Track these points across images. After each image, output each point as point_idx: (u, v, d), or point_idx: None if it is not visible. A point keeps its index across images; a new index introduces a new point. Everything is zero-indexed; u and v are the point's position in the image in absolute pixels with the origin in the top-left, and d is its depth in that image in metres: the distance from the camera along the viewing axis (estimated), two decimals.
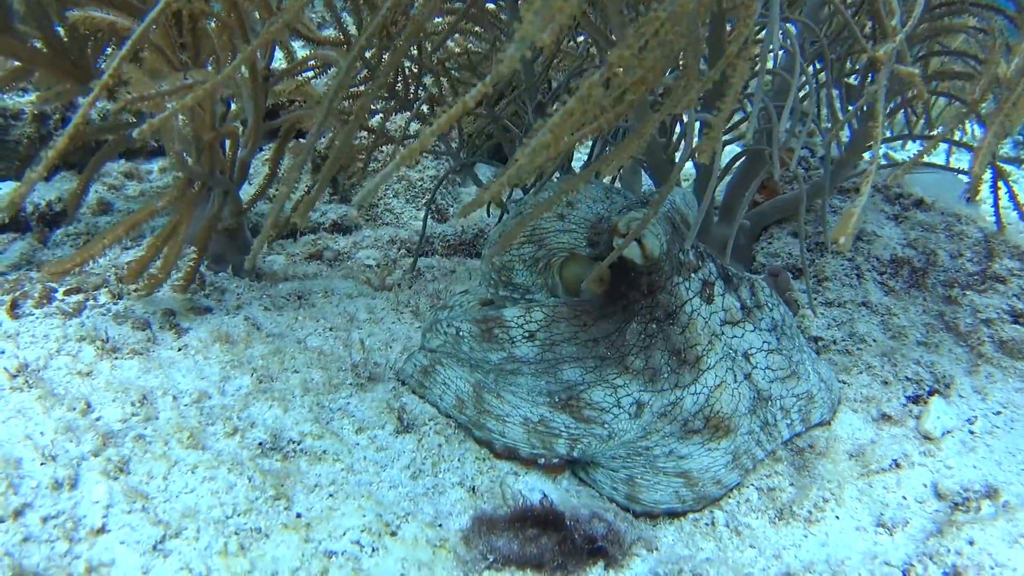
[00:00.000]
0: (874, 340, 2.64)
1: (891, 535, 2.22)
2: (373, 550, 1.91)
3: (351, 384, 2.30)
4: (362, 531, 1.93)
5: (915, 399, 2.54)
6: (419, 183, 3.54)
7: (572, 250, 2.32)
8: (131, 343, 2.42)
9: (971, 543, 2.11)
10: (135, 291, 2.53)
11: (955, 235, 2.81)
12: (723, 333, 2.34)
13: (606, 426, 2.21)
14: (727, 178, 2.92)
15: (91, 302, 2.59)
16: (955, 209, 2.86)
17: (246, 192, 3.14)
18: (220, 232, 2.79)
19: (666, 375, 2.25)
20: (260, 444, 2.11)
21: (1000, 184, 2.32)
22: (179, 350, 2.45)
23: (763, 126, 2.54)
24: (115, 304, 2.59)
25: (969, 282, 2.74)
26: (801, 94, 2.70)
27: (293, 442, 2.13)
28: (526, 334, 2.29)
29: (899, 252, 2.79)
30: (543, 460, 2.21)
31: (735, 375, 2.31)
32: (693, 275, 2.30)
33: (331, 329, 2.59)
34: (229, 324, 2.53)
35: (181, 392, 2.25)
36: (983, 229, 2.81)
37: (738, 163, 2.77)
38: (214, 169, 2.53)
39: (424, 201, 3.01)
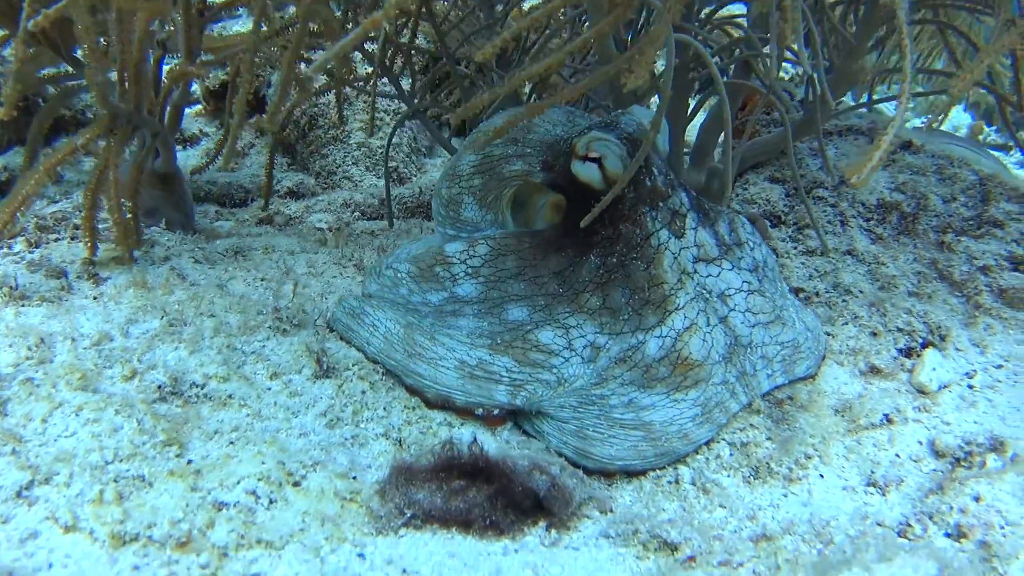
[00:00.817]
0: (861, 291, 2.28)
1: (884, 495, 1.85)
2: (271, 502, 1.57)
3: (270, 327, 1.96)
4: (260, 480, 1.59)
5: (907, 352, 2.17)
6: (379, 151, 3.23)
7: (526, 176, 1.99)
8: (42, 291, 2.11)
9: (977, 499, 1.73)
10: (114, 262, 2.21)
11: (947, 178, 2.46)
12: (695, 271, 1.99)
13: (555, 371, 1.85)
14: (698, 121, 2.59)
15: (4, 249, 2.28)
16: (946, 152, 2.52)
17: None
18: (154, 184, 2.48)
19: (627, 316, 1.90)
20: (159, 387, 1.78)
21: None
22: (94, 299, 2.13)
23: (747, 54, 2.22)
24: (31, 252, 2.28)
25: (964, 227, 2.38)
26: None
27: (196, 385, 1.79)
28: (469, 270, 1.95)
29: (887, 196, 2.44)
30: (481, 410, 1.85)
31: (708, 317, 1.95)
32: (661, 204, 1.96)
33: (263, 280, 2.27)
34: (151, 272, 2.21)
35: (82, 335, 1.92)
36: (978, 172, 2.46)
37: (712, 102, 2.45)
38: (141, 107, 2.22)
39: (385, 160, 2.70)
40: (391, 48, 2.42)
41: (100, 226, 2.38)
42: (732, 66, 2.39)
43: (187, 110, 4.00)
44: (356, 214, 2.88)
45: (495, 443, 1.82)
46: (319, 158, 3.21)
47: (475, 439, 1.63)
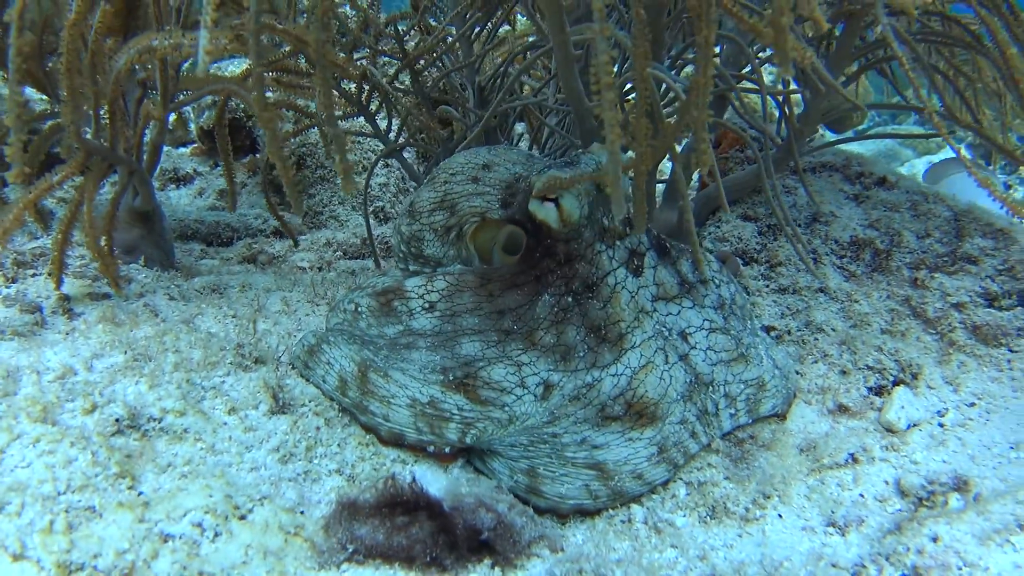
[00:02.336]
0: (833, 329, 2.32)
1: (843, 535, 1.87)
2: (216, 534, 1.63)
3: (231, 363, 2.05)
4: (206, 512, 1.66)
5: (877, 390, 2.20)
6: (367, 190, 3.34)
7: (484, 213, 2.08)
8: (14, 325, 2.22)
9: (935, 540, 1.75)
10: (88, 297, 2.35)
11: (921, 214, 2.50)
12: (655, 310, 2.05)
13: (506, 409, 1.91)
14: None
15: None
16: (921, 188, 2.56)
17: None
18: (134, 222, 2.60)
19: (582, 353, 1.96)
20: (117, 420, 1.86)
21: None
22: (67, 334, 2.24)
23: (718, 89, 2.30)
24: (7, 287, 2.40)
25: (938, 264, 2.42)
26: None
27: (153, 419, 1.88)
28: (426, 305, 2.03)
29: (860, 233, 2.48)
30: (432, 447, 1.91)
31: (667, 356, 2.01)
32: (618, 243, 2.03)
33: (234, 316, 2.36)
34: (123, 308, 2.32)
35: (47, 369, 2.02)
36: (952, 208, 2.50)
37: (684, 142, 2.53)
38: (117, 144, 2.36)
39: (364, 199, 2.81)
40: (368, 88, 2.54)
41: (76, 262, 2.52)
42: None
43: (182, 149, 4.18)
44: (338, 253, 2.99)
45: (445, 480, 1.88)
46: (306, 197, 3.34)
47: (414, 478, 1.69)
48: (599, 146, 2.14)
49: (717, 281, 2.19)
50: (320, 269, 2.84)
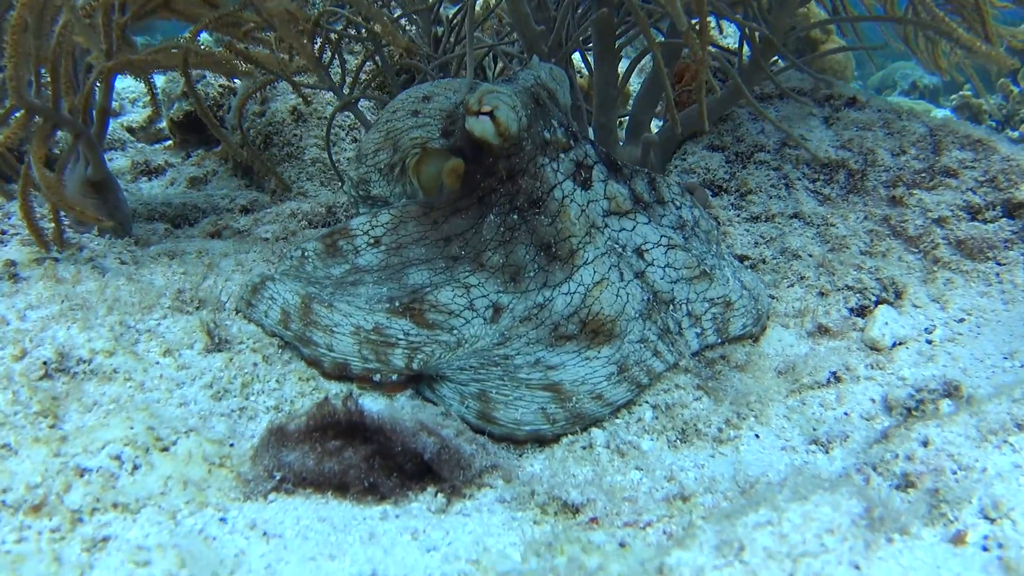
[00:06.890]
0: (810, 254, 2.17)
1: (827, 452, 1.70)
2: (135, 467, 1.51)
3: (168, 307, 1.93)
4: (125, 445, 1.53)
5: (859, 310, 2.05)
6: (336, 165, 3.25)
7: (424, 144, 1.96)
8: None
9: (925, 444, 1.57)
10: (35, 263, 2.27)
11: (895, 132, 2.35)
12: (607, 225, 1.91)
13: (455, 332, 1.78)
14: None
15: None
16: (892, 106, 2.41)
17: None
18: (87, 192, 2.51)
19: (532, 273, 1.83)
20: (44, 363, 1.75)
21: None
22: (9, 296, 2.13)
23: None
24: None
25: (916, 180, 2.26)
26: None
27: (83, 361, 1.76)
28: (371, 240, 1.91)
29: (832, 155, 2.33)
30: (378, 376, 1.77)
31: (621, 273, 1.87)
32: (562, 155, 1.90)
33: (184, 273, 2.25)
34: (66, 268, 2.22)
35: None
36: (927, 123, 2.34)
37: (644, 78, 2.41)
38: (59, 104, 2.27)
39: (327, 136, 2.76)
40: (320, 41, 2.46)
41: (24, 231, 2.43)
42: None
43: (157, 145, 4.12)
44: (303, 223, 2.88)
45: (387, 407, 1.74)
46: (274, 175, 3.25)
47: (350, 394, 1.55)
48: (539, 60, 2.03)
49: (678, 203, 2.05)
50: (284, 239, 2.73)
